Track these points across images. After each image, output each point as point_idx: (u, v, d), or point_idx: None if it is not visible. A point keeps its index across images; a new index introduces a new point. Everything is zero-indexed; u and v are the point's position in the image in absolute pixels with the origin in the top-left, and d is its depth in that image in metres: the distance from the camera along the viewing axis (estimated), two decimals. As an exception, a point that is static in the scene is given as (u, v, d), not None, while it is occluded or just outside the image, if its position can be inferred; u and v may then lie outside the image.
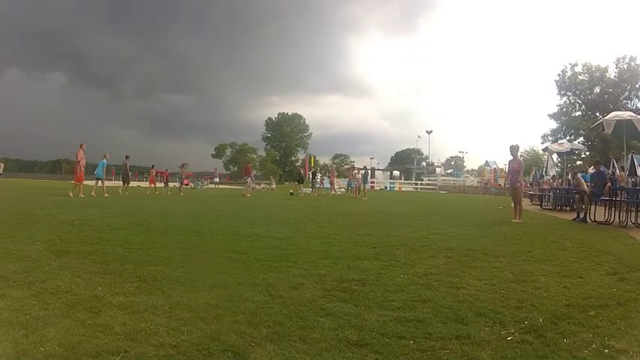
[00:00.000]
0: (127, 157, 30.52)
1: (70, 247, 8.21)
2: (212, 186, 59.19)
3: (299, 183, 40.86)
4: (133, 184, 33.86)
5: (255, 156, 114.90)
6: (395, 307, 4.65)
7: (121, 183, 31.55)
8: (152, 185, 36.38)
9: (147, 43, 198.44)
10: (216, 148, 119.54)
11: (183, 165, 40.37)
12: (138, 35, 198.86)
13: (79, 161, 24.69)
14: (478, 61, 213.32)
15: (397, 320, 4.24)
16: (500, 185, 63.31)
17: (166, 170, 41.86)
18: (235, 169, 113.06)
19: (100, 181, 27.03)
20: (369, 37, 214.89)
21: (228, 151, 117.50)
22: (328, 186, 44.98)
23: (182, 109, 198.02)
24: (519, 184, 16.31)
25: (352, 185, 37.79)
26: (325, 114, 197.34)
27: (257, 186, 56.21)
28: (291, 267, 6.58)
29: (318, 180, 45.56)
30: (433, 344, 3.68)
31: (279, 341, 3.76)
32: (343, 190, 42.13)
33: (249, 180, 36.33)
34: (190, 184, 49.88)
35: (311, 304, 4.76)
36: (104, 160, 27.18)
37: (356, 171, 38.41)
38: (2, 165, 41.57)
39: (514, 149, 16.28)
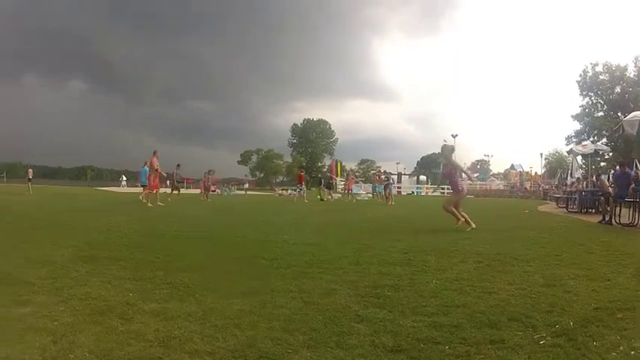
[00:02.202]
0: (177, 165, 30.89)
1: (99, 253, 8.27)
2: (240, 192, 59.82)
3: (328, 189, 40.69)
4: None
5: (281, 162, 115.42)
6: (429, 313, 4.63)
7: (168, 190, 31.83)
8: (203, 191, 36.64)
9: (169, 50, 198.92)
10: (241, 154, 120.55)
11: (209, 172, 40.44)
12: (160, 41, 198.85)
13: (156, 169, 25.06)
14: (501, 62, 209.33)
15: (432, 325, 4.22)
16: (525, 189, 62.78)
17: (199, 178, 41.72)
18: (262, 175, 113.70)
19: (144, 188, 27.10)
20: (392, 39, 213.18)
21: (254, 158, 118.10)
22: (357, 191, 44.96)
23: (206, 116, 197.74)
24: (461, 188, 13.79)
25: (378, 190, 37.75)
26: (350, 119, 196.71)
27: (285, 192, 56.60)
28: (323, 273, 6.58)
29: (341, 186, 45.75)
30: (468, 349, 3.67)
31: (316, 348, 3.74)
32: (370, 195, 42.04)
33: (302, 187, 36.96)
34: (217, 190, 50.33)
35: (345, 310, 4.75)
36: (146, 168, 27.03)
37: (384, 176, 38.42)
38: (31, 171, 42.20)
39: (447, 149, 14.23)
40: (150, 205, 23.44)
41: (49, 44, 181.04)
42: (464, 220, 13.07)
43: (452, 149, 14.08)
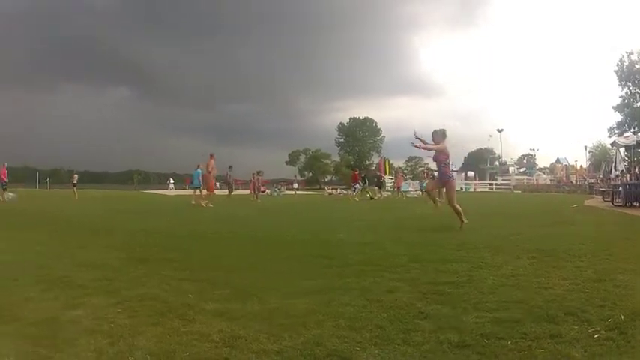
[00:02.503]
0: (229, 167, 31.38)
1: (152, 255, 8.39)
2: (289, 192, 60.43)
3: (379, 187, 40.92)
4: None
5: (329, 161, 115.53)
6: (490, 309, 4.61)
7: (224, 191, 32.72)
8: (253, 192, 37.15)
9: (210, 53, 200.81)
10: (289, 154, 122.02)
11: (258, 173, 40.90)
12: (200, 45, 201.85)
13: (209, 171, 25.67)
14: (542, 54, 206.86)
15: (494, 321, 4.19)
16: (571, 183, 61.82)
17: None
18: (310, 175, 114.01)
19: (197, 190, 27.90)
20: (432, 34, 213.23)
21: (302, 158, 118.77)
22: (406, 189, 44.85)
23: (250, 118, 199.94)
24: (449, 177, 12.97)
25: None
26: (394, 116, 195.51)
27: (334, 191, 56.89)
28: (382, 271, 6.55)
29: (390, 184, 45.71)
30: (530, 344, 3.66)
31: (383, 345, 3.71)
32: (420, 192, 41.83)
33: (357, 186, 37.40)
34: (267, 191, 50.74)
35: (409, 307, 4.70)
36: (198, 170, 27.75)
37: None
38: (76, 176, 42.93)
39: (438, 135, 12.95)
40: (210, 205, 24.04)
41: (86, 53, 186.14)
42: (436, 204, 13.66)
43: (443, 134, 13.15)
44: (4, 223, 15.49)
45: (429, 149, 13.29)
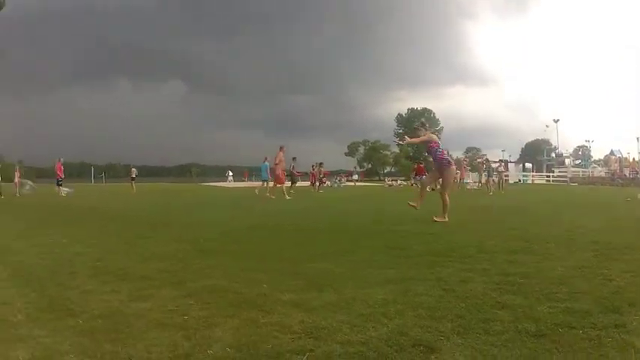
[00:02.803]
0: (293, 158, 31.55)
1: (217, 246, 8.46)
2: (349, 184, 60.52)
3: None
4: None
5: (388, 152, 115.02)
6: (561, 299, 4.64)
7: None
8: (313, 183, 38.27)
9: (267, 46, 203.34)
10: (348, 146, 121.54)
11: (320, 164, 41.38)
12: (256, 38, 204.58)
13: (277, 163, 25.85)
14: (595, 42, 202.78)
15: (565, 311, 4.23)
16: (625, 175, 60.43)
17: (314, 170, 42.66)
18: (369, 166, 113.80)
19: (265, 183, 28.25)
20: (484, 22, 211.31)
21: (361, 149, 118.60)
22: (465, 180, 44.53)
23: (307, 110, 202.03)
24: (447, 162, 12.56)
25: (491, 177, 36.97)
26: (450, 106, 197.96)
27: (394, 182, 56.95)
28: (452, 261, 6.59)
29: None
30: (598, 333, 3.68)
31: (465, 334, 3.71)
32: (479, 184, 41.40)
33: (423, 178, 37.18)
34: (327, 182, 51.19)
35: (485, 297, 4.74)
36: (266, 163, 28.28)
37: (498, 164, 38.13)
38: (134, 170, 43.64)
39: (416, 131, 13.34)
40: (272, 197, 24.55)
41: (140, 51, 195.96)
42: (418, 201, 12.69)
43: (421, 126, 13.26)
44: (59, 217, 15.90)
45: (415, 142, 13.65)
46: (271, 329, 3.90)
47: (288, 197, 24.41)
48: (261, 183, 29.56)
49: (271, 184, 26.93)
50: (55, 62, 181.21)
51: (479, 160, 45.75)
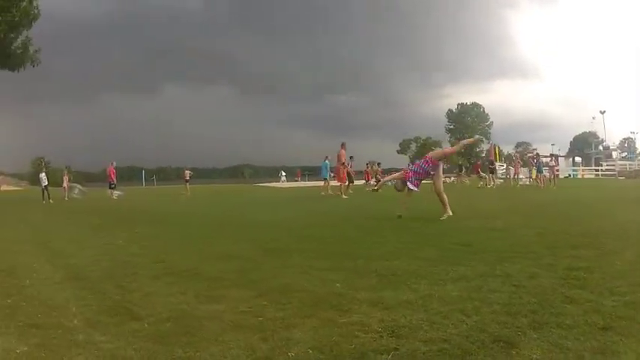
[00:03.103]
0: (351, 157, 31.59)
1: (285, 245, 8.45)
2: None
3: (492, 174, 40.00)
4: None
5: (440, 149, 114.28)
6: (622, 292, 4.66)
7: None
8: (366, 181, 38.45)
9: (314, 48, 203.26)
10: (400, 143, 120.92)
11: (377, 164, 41.57)
12: (302, 40, 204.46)
13: (343, 162, 25.59)
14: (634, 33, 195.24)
15: (627, 304, 4.28)
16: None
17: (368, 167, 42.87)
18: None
19: (326, 181, 28.22)
20: (528, 14, 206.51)
21: (413, 146, 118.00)
22: (520, 176, 44.16)
23: (357, 109, 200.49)
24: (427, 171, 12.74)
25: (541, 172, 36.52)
26: (497, 100, 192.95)
27: (447, 179, 56.61)
28: (518, 257, 6.55)
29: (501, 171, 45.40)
30: None
31: (540, 329, 3.75)
32: (531, 179, 40.89)
33: (484, 175, 38.08)
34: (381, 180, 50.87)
35: (553, 292, 4.76)
36: (326, 162, 28.41)
37: (549, 158, 37.74)
38: (188, 172, 44.07)
39: (432, 154, 13.18)
40: (331, 193, 25.13)
41: (189, 52, 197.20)
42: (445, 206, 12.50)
43: (431, 146, 12.85)
44: (113, 219, 16.03)
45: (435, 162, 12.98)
46: (352, 329, 3.90)
47: (345, 196, 24.22)
48: (322, 182, 29.34)
49: (333, 182, 26.97)
50: (106, 68, 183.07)
51: (529, 154, 45.06)
